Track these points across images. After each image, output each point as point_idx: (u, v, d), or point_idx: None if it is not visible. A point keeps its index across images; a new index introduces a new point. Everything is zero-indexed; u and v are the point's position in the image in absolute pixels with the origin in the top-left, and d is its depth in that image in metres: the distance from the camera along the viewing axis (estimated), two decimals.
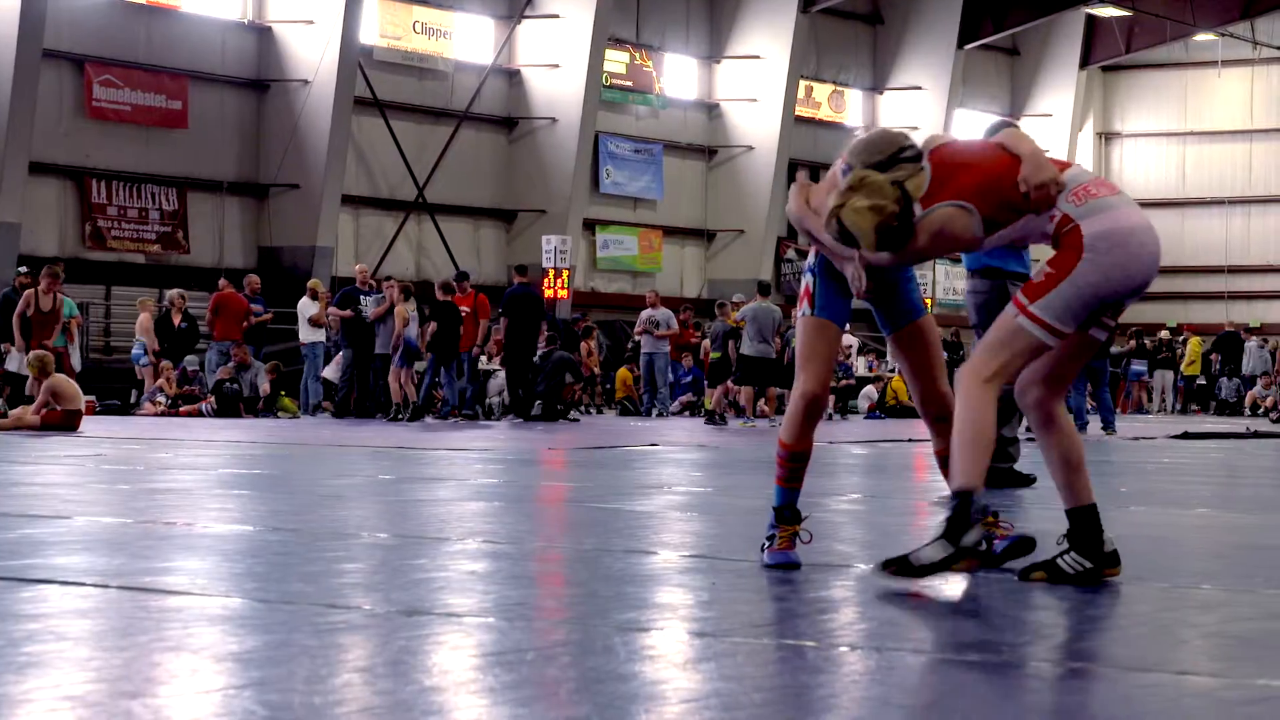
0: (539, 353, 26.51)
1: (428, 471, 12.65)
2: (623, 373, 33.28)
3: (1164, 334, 41.16)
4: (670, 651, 4.48)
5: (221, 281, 27.88)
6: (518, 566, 6.52)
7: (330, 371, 26.80)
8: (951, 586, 5.93)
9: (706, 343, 28.07)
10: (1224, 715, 3.83)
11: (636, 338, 31.34)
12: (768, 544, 6.23)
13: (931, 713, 3.73)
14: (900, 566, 5.60)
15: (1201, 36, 49.01)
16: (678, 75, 42.95)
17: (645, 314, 30.51)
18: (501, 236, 39.00)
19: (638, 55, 41.86)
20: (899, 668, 4.27)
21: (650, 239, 42.21)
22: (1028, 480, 10.94)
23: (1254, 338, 39.29)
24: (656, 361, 30.05)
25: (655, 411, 30.02)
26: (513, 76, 38.99)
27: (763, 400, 27.09)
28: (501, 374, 28.08)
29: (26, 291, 21.68)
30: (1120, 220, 5.61)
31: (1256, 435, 23.41)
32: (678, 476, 12.37)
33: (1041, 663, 4.41)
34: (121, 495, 9.92)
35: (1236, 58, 49.89)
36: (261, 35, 34.29)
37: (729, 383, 27.14)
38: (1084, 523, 5.74)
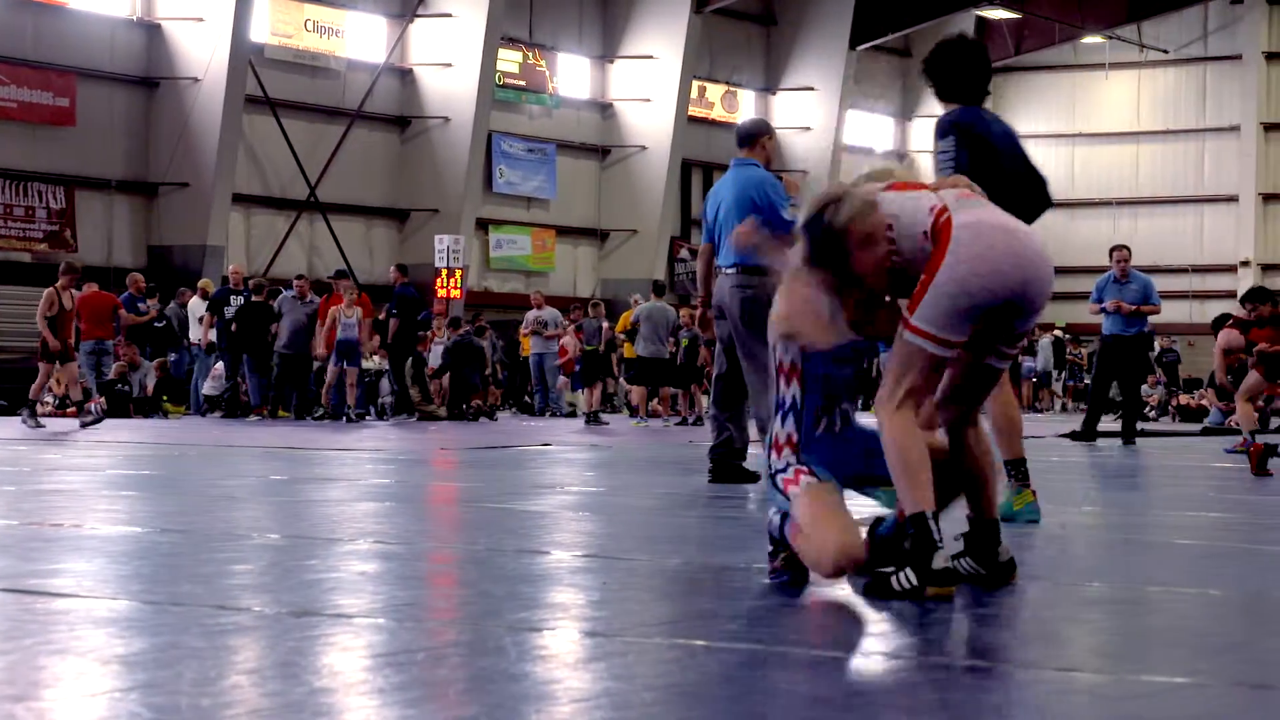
0: (449, 343, 26.55)
1: (319, 472, 12.58)
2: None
3: (1056, 333, 41.55)
4: (562, 651, 4.48)
5: (86, 285, 27.53)
6: (409, 567, 6.49)
7: (209, 386, 26.62)
8: (844, 587, 5.97)
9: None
10: (1107, 711, 3.87)
11: (523, 338, 31.35)
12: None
13: (821, 709, 3.75)
14: (878, 586, 5.46)
15: (1089, 39, 49.52)
16: (571, 75, 42.93)
17: (531, 314, 30.52)
18: (394, 236, 38.83)
19: (531, 55, 41.81)
20: (791, 666, 4.29)
21: (543, 238, 42.18)
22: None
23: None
24: (545, 361, 30.05)
25: (547, 412, 30.01)
26: (405, 75, 38.84)
27: (655, 400, 27.15)
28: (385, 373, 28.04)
29: (48, 290, 21.21)
30: (992, 216, 5.53)
31: (1143, 434, 23.66)
32: (570, 476, 12.37)
33: (934, 660, 4.44)
34: (7, 496, 9.80)
35: (1124, 60, 50.45)
36: (151, 32, 33.97)
37: (623, 380, 27.19)
38: (984, 534, 5.74)
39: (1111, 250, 19.99)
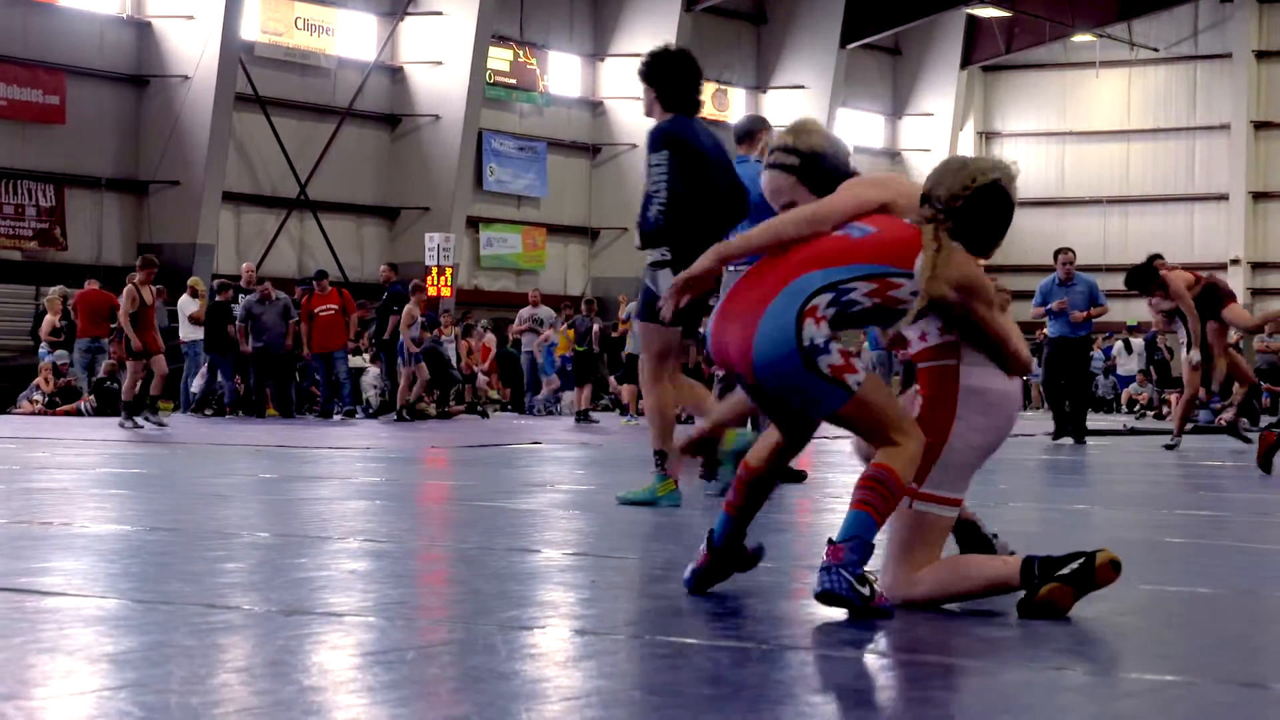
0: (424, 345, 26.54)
1: (309, 470, 12.58)
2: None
3: (1044, 333, 41.57)
4: (552, 649, 4.48)
5: (88, 281, 27.48)
6: (399, 565, 6.49)
7: (197, 384, 26.64)
8: None
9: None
10: (1099, 708, 3.87)
11: (517, 336, 31.32)
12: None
13: (811, 707, 3.75)
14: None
15: (1080, 37, 49.56)
16: (562, 73, 42.93)
17: (526, 312, 30.49)
18: (384, 234, 38.83)
19: (521, 53, 41.81)
20: (781, 664, 4.29)
21: (534, 237, 42.18)
22: (800, 476, 11.06)
23: (1136, 336, 39.81)
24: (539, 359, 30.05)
25: (538, 409, 30.00)
26: (396, 73, 38.83)
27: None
28: (373, 370, 28.02)
29: (128, 288, 20.79)
30: (998, 381, 5.21)
31: (1134, 433, 23.69)
32: (560, 474, 12.37)
33: (924, 658, 4.44)
34: None
35: (1114, 59, 50.49)
36: (141, 30, 33.96)
37: (612, 379, 27.18)
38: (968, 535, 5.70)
39: (1056, 253, 20.26)
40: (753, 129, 11.65)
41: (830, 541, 4.92)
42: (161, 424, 20.08)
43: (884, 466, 4.95)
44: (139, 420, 19.85)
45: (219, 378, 26.15)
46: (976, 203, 5.14)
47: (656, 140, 8.87)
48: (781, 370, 4.96)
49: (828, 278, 5.02)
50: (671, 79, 8.97)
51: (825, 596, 4.89)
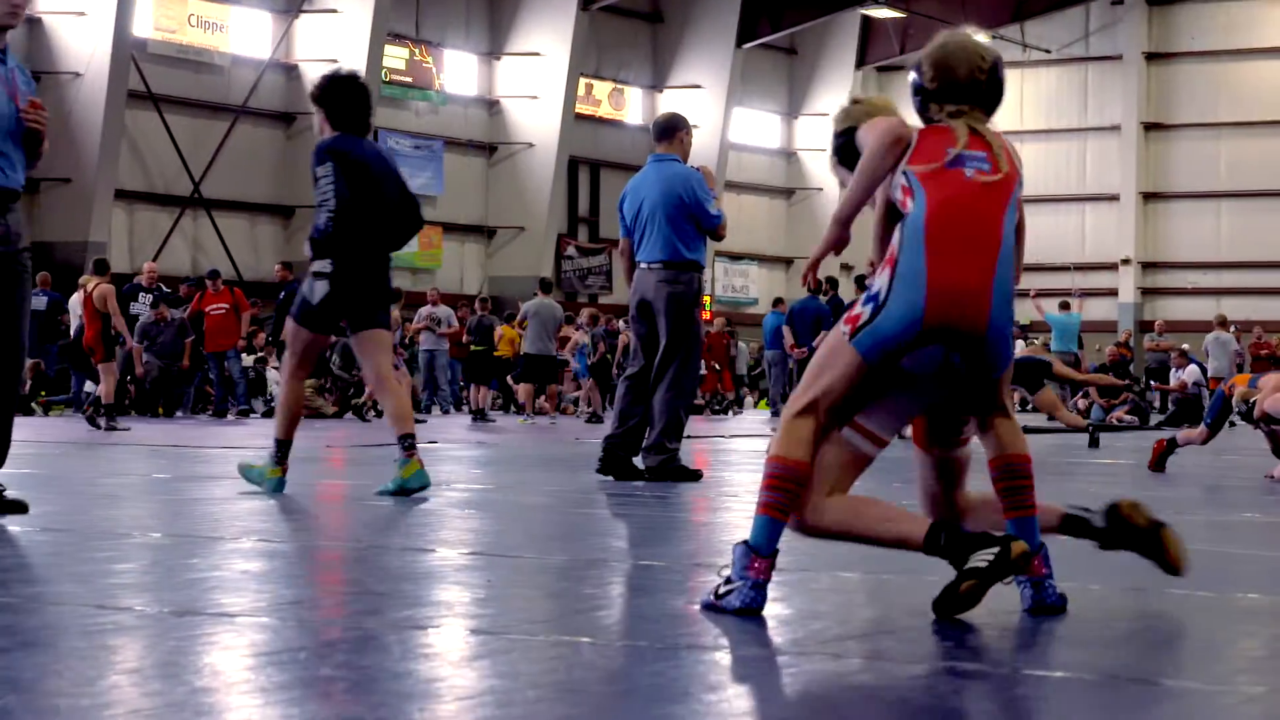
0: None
1: (203, 470, 12.48)
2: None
3: None
4: (446, 649, 4.47)
5: None
6: (293, 565, 6.46)
7: (91, 385, 26.41)
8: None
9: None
10: (1000, 702, 3.91)
11: (415, 335, 31.20)
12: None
13: (702, 704, 3.76)
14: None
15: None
16: (458, 71, 42.82)
17: (425, 311, 30.39)
18: (280, 232, 38.58)
19: (417, 51, 41.67)
20: (676, 662, 4.30)
21: (430, 236, 42.03)
22: (696, 475, 11.10)
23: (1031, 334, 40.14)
24: (437, 359, 29.94)
25: (437, 408, 29.92)
26: (290, 71, 38.59)
27: (543, 397, 27.13)
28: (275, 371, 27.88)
29: (104, 288, 20.60)
30: None
31: (1038, 431, 23.89)
32: (457, 474, 12.34)
33: (819, 654, 4.46)
34: None
35: (1007, 60, 50.67)
36: (31, 27, 33.54)
37: (509, 379, 27.12)
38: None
39: None
40: (673, 127, 11.65)
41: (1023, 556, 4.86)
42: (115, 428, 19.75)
43: (1022, 457, 5.13)
44: (107, 423, 19.69)
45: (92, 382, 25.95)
46: (996, 78, 5.38)
47: (320, 154, 9.43)
48: (1002, 341, 5.06)
49: (1009, 232, 5.19)
50: (339, 101, 9.41)
51: (1048, 609, 5.07)
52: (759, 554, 4.99)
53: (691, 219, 11.27)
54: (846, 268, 41.45)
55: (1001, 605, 5.13)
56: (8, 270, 7.77)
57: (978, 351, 4.97)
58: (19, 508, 7.64)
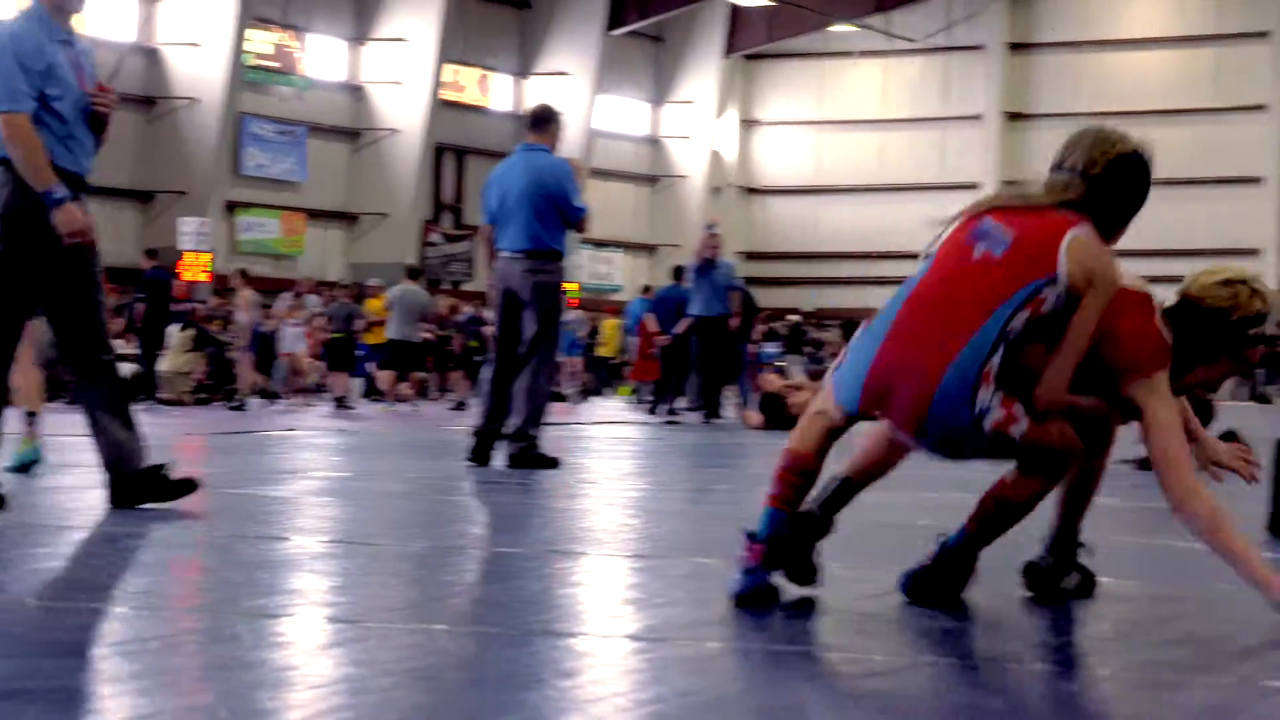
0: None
1: (55, 458, 12.30)
2: None
3: (793, 318, 42.01)
4: (300, 637, 4.44)
5: None
6: (146, 554, 6.38)
7: None
8: (585, 568, 6.01)
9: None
10: (846, 688, 3.94)
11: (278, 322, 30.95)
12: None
13: (556, 690, 3.76)
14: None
15: (839, 28, 50.23)
16: (323, 56, 42.50)
17: (289, 297, 30.17)
18: (139, 219, 38.14)
19: (283, 35, 41.31)
20: (530, 648, 4.29)
21: (293, 222, 41.71)
22: (554, 463, 11.11)
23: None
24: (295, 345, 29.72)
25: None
26: (152, 55, 38.15)
27: (405, 384, 27.01)
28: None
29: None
30: None
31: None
32: (316, 461, 12.26)
33: (665, 641, 4.46)
34: None
35: (871, 49, 51.25)
36: None
37: (371, 365, 26.96)
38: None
39: (704, 230, 21.09)
40: (547, 118, 11.63)
41: None
42: None
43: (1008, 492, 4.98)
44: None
45: None
46: (1114, 172, 4.95)
47: None
48: (949, 429, 4.79)
49: (998, 322, 4.75)
50: None
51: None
52: (753, 539, 4.99)
53: (557, 210, 11.27)
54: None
55: (867, 591, 5.16)
56: (87, 259, 7.58)
57: (919, 433, 4.86)
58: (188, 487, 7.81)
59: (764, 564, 4.97)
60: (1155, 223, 52.82)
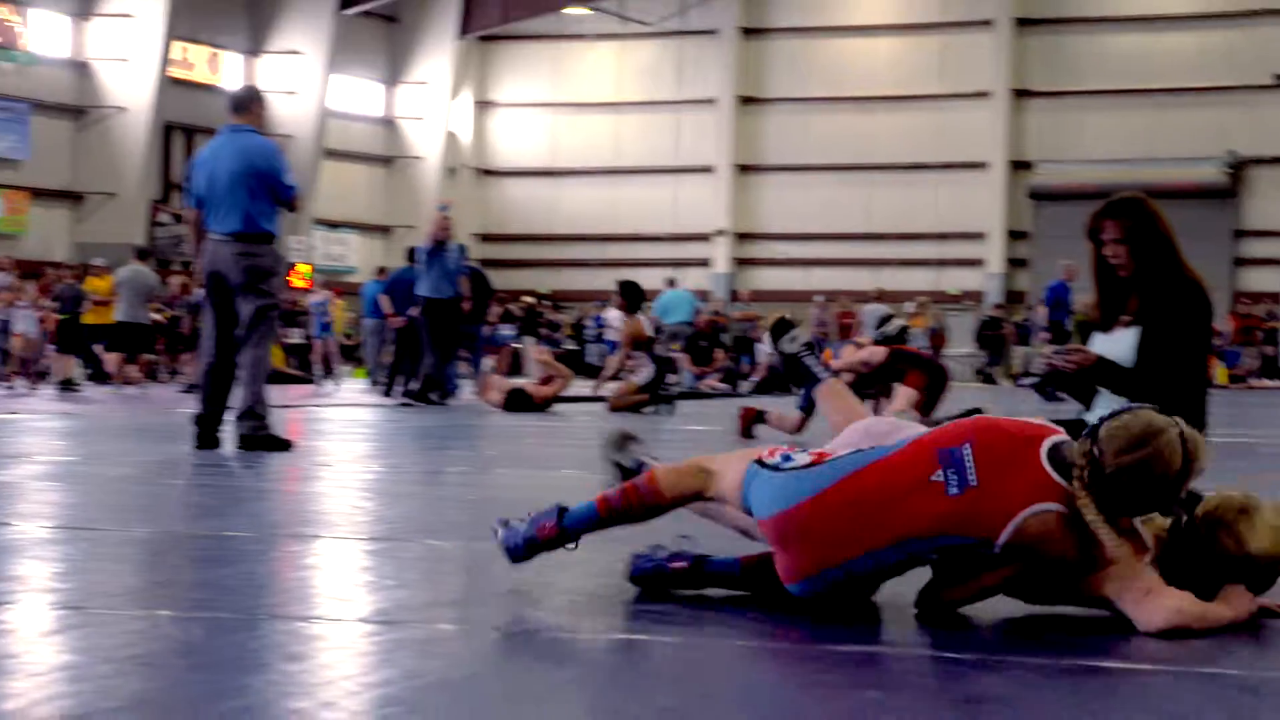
0: None
1: None
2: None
3: (529, 300, 42.13)
4: (21, 625, 4.33)
5: None
6: None
7: None
8: (316, 551, 5.96)
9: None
10: (576, 668, 3.96)
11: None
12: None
13: (282, 674, 3.73)
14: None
15: (573, 10, 50.32)
16: (46, 32, 41.45)
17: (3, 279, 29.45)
18: None
19: (3, 10, 40.21)
20: (257, 633, 4.25)
21: (15, 200, 40.66)
22: (286, 444, 11.07)
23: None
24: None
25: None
26: None
27: (133, 366, 26.52)
28: None
29: None
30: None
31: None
32: (39, 446, 11.99)
33: (411, 624, 4.45)
34: None
35: (606, 32, 51.43)
36: None
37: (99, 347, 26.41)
38: None
39: (437, 212, 21.25)
40: (248, 99, 11.58)
41: None
42: None
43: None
44: None
45: None
46: (1126, 477, 4.43)
47: None
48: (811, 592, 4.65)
49: (902, 552, 4.51)
50: None
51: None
52: (557, 520, 4.85)
53: (270, 190, 11.24)
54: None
55: (594, 571, 5.19)
56: None
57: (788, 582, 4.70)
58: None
59: (541, 543, 4.89)
60: (885, 208, 53.84)
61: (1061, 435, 4.57)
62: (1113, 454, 4.41)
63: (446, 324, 20.70)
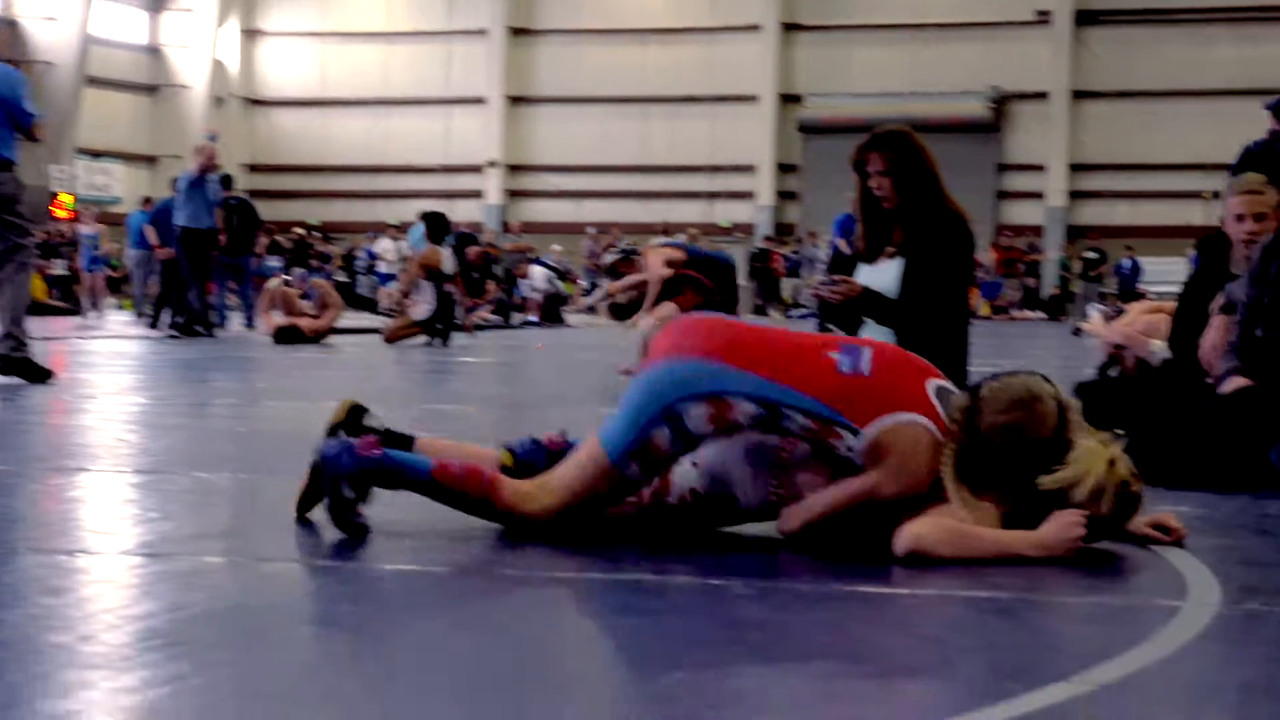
0: None
1: None
2: None
3: (298, 231, 41.61)
4: None
5: None
6: None
7: None
8: (79, 484, 5.87)
9: None
10: (330, 599, 3.95)
11: None
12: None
13: (41, 608, 3.68)
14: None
15: None
16: None
17: None
18: None
19: None
20: (12, 566, 4.18)
21: None
22: (46, 375, 10.86)
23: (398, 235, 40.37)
24: None
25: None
26: None
27: None
28: None
29: None
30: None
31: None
32: None
33: (165, 557, 4.40)
34: None
35: None
36: None
37: None
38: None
39: (203, 141, 21.12)
40: None
41: None
42: None
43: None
44: None
45: None
46: (1005, 438, 4.53)
47: None
48: (645, 389, 4.58)
49: (774, 392, 4.53)
50: None
51: None
52: (376, 444, 4.71)
53: (10, 117, 11.07)
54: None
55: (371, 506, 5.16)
56: None
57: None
58: None
59: (362, 458, 4.70)
60: (657, 140, 53.72)
61: (947, 382, 4.66)
62: (990, 412, 4.52)
63: (205, 254, 20.50)
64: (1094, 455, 4.53)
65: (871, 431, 4.49)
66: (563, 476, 4.69)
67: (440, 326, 19.21)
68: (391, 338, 19.10)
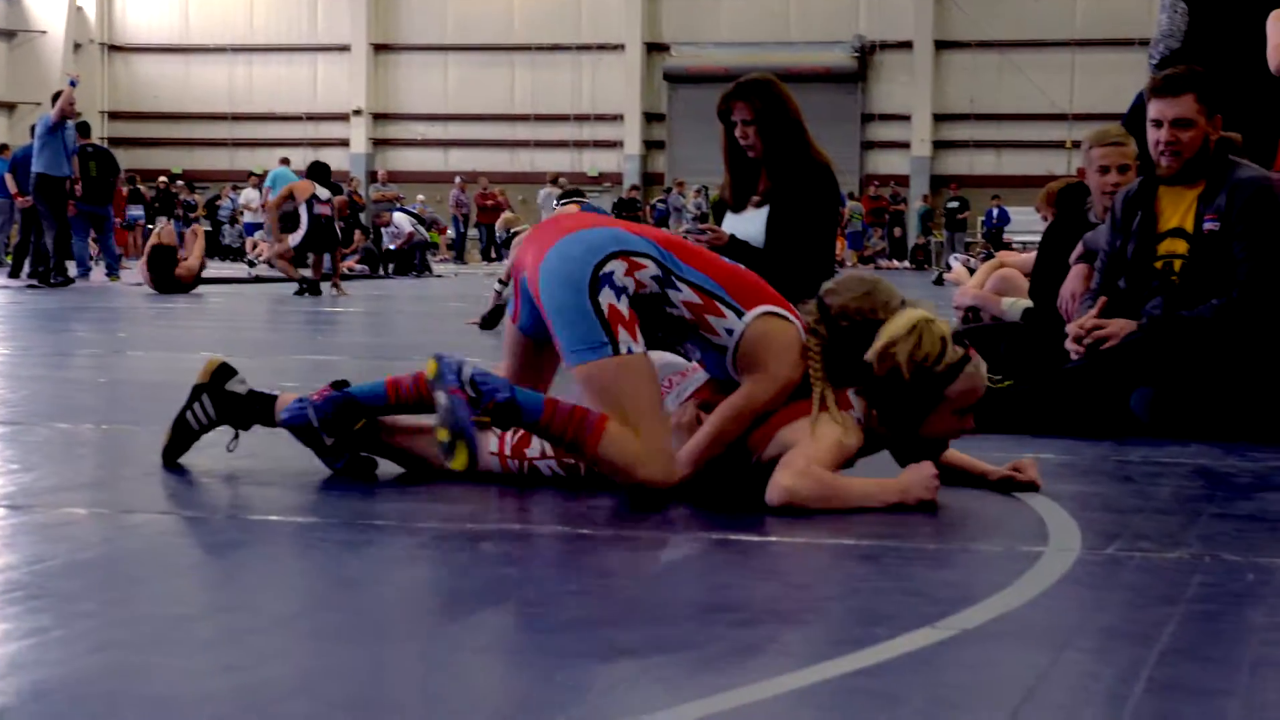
0: None
1: None
2: None
3: (163, 180, 41.16)
4: None
5: None
6: None
7: None
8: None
9: None
10: (203, 547, 3.92)
11: None
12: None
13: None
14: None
15: None
16: None
17: None
18: None
19: None
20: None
21: None
22: None
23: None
24: None
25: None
26: None
27: None
28: None
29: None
30: None
31: (258, 280, 23.92)
32: None
33: (27, 509, 4.35)
34: None
35: None
36: None
37: None
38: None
39: (67, 85, 21.18)
40: None
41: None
42: None
43: (603, 422, 4.49)
44: None
45: None
46: (852, 318, 4.64)
47: None
48: (561, 284, 4.50)
49: (658, 254, 4.59)
50: None
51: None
52: (335, 393, 4.78)
53: None
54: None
55: (243, 452, 5.13)
56: None
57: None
58: None
59: (321, 405, 4.77)
60: (524, 89, 53.28)
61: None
62: (838, 297, 4.66)
63: (61, 202, 20.34)
64: (898, 320, 4.60)
65: (752, 315, 4.61)
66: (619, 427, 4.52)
67: (309, 279, 19.23)
68: (270, 261, 20.01)
